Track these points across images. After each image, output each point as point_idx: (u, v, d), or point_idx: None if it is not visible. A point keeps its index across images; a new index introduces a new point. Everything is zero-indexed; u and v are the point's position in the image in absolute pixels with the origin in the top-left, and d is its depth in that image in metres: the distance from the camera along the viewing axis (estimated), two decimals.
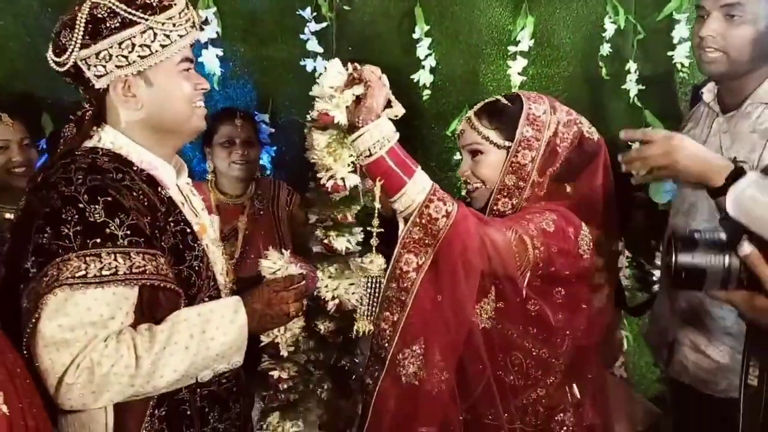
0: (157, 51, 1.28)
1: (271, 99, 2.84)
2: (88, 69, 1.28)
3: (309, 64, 2.79)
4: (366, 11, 2.82)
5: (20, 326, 1.20)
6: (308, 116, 1.40)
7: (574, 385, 1.44)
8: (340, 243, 1.46)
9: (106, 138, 1.33)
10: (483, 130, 1.52)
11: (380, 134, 1.35)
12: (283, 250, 1.48)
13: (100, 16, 1.25)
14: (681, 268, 1.03)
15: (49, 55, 1.31)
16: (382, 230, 1.37)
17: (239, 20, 2.79)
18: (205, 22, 2.65)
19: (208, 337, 1.26)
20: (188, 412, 1.32)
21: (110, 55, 1.26)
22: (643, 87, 2.94)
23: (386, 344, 1.37)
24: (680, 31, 3.04)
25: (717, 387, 1.79)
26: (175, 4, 1.31)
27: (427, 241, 1.33)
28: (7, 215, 2.16)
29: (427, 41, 2.83)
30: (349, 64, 1.37)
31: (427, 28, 2.82)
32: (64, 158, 1.29)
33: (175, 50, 1.30)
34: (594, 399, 1.47)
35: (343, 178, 1.39)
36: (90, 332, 1.17)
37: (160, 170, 1.36)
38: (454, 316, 1.34)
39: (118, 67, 1.27)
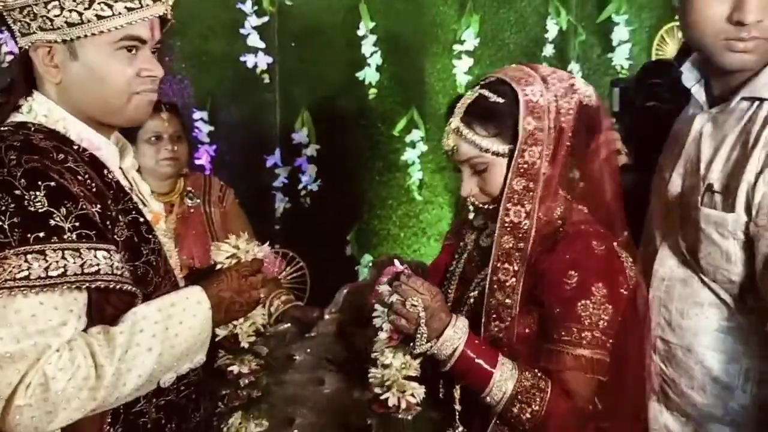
0: (89, 21, 1.08)
1: (210, 96, 2.71)
2: (14, 23, 1.11)
3: (250, 60, 2.68)
4: (308, 6, 2.74)
5: None
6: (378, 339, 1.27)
7: None
8: None
9: (39, 110, 1.14)
10: (481, 142, 1.26)
11: (459, 331, 1.23)
12: (241, 233, 1.36)
13: None
14: None
15: None
16: None
17: (176, 14, 2.63)
18: None
19: (171, 334, 1.13)
20: (148, 425, 1.17)
21: (34, 14, 1.08)
22: None
23: None
24: (619, 34, 3.10)
25: None
26: None
27: None
28: None
29: (372, 38, 2.77)
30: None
31: (372, 25, 2.76)
32: None
33: (115, 25, 1.09)
34: None
35: (413, 393, 1.26)
36: (40, 342, 1.01)
37: (103, 150, 1.19)
38: None
39: (41, 29, 1.09)
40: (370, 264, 2.83)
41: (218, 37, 2.69)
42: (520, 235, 1.25)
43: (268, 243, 1.43)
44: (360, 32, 2.76)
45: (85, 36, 1.09)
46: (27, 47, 1.11)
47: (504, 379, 1.21)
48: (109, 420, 1.12)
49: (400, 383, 1.25)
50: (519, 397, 1.21)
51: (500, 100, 1.25)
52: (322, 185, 2.80)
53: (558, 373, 1.22)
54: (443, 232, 3.00)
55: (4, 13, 1.10)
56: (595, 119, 1.28)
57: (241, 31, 2.65)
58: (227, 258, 1.32)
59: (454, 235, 1.51)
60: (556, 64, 3.02)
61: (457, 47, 2.89)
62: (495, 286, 1.27)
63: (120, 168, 1.25)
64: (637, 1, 3.13)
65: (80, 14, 1.08)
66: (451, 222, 1.61)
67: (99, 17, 1.09)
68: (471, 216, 1.35)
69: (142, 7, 1.11)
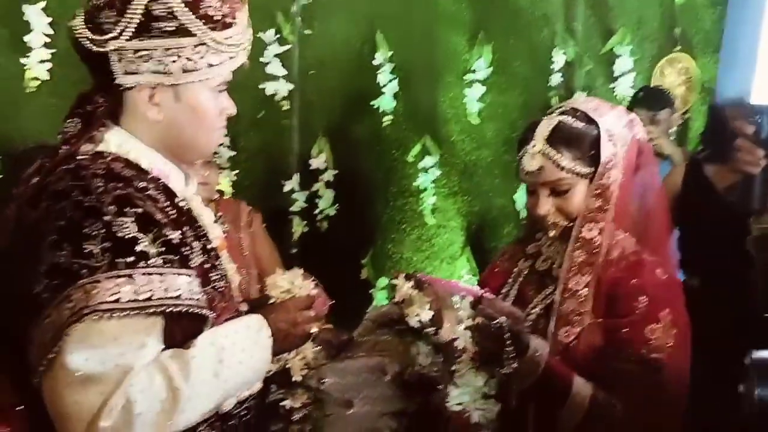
0: (201, 69, 1.14)
1: (230, 122, 2.75)
2: (119, 61, 1.13)
3: (269, 87, 2.74)
4: (328, 35, 2.81)
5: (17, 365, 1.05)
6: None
7: None
8: None
9: (112, 141, 1.18)
10: (567, 164, 1.35)
11: (540, 347, 1.30)
12: (295, 268, 1.39)
13: (156, 13, 1.10)
14: None
15: (80, 25, 1.13)
16: None
17: None
18: None
19: (236, 361, 1.15)
20: None
21: (150, 57, 1.12)
22: None
23: None
24: (622, 64, 3.21)
25: None
26: (236, 23, 1.16)
27: None
28: None
29: (388, 67, 2.84)
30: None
31: (388, 54, 2.84)
32: (65, 163, 1.13)
33: (221, 72, 1.17)
34: None
35: (491, 411, 1.33)
36: (122, 364, 1.03)
37: (171, 177, 1.22)
38: None
39: (153, 72, 1.13)
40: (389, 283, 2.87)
41: None
42: (593, 251, 1.36)
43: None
44: (376, 61, 2.84)
45: (194, 82, 1.15)
46: (130, 86, 1.15)
47: (582, 383, 1.30)
48: None
49: (480, 402, 1.31)
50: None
51: (581, 125, 1.36)
52: (338, 210, 2.86)
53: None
54: (455, 255, 3.07)
55: (111, 53, 1.13)
56: (645, 154, 1.42)
57: (261, 59, 2.71)
58: (282, 293, 1.35)
59: (507, 261, 1.58)
60: (563, 92, 3.12)
61: (468, 76, 2.98)
62: (566, 295, 1.36)
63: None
64: (640, 32, 3.25)
65: (195, 63, 1.14)
66: (504, 248, 1.68)
67: (210, 65, 1.15)
68: (552, 233, 1.41)
69: (237, 56, 1.19)
